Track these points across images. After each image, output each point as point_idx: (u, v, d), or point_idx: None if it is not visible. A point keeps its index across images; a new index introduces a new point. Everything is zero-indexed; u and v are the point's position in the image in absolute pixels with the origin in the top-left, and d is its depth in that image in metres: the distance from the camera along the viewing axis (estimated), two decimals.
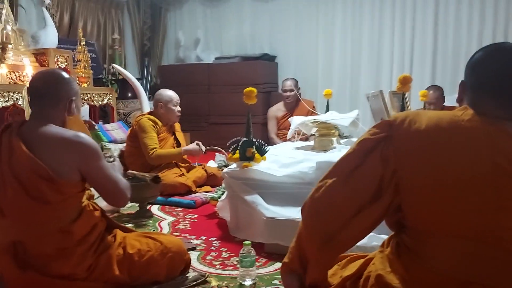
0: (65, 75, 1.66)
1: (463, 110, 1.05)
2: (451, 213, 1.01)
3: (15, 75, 3.63)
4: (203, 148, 3.38)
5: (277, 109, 4.67)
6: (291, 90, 4.46)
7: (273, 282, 1.74)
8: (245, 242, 1.74)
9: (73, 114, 1.62)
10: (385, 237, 1.26)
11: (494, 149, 0.98)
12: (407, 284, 1.08)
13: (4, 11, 3.69)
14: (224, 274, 1.83)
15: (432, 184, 1.01)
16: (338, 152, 2.49)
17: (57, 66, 3.97)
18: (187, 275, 1.76)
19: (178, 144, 3.48)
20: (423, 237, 1.06)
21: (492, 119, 1.01)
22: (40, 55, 4.02)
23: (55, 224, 1.53)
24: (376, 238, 1.76)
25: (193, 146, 3.37)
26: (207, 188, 3.32)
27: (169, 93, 3.43)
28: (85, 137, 1.56)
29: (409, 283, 1.07)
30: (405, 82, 2.24)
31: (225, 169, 2.42)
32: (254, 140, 2.39)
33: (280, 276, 1.76)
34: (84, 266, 1.55)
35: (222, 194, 2.71)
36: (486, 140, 0.99)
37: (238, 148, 2.37)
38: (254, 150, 2.36)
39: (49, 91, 1.60)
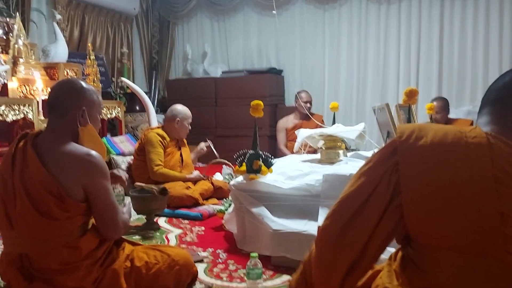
0: (79, 84, 1.64)
1: (472, 128, 1.06)
2: (453, 228, 1.01)
3: (26, 89, 3.70)
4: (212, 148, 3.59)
5: (287, 121, 4.73)
6: (311, 102, 4.66)
7: None
8: (252, 254, 1.74)
9: (84, 125, 1.60)
10: (393, 249, 1.25)
11: (496, 163, 0.99)
12: None
13: (16, 26, 3.78)
14: (231, 287, 1.83)
15: (433, 199, 1.01)
16: (344, 164, 2.49)
17: None
18: (194, 287, 1.76)
19: (182, 161, 3.52)
20: (427, 251, 1.06)
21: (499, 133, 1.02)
22: (50, 68, 4.10)
23: (61, 239, 1.52)
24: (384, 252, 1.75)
25: (195, 174, 3.45)
26: (214, 200, 3.33)
27: (187, 111, 3.51)
28: (97, 156, 1.54)
29: None
30: (411, 95, 2.25)
31: (232, 182, 2.43)
32: (260, 152, 2.40)
33: None
34: (90, 279, 1.54)
35: (229, 206, 2.71)
36: (489, 155, 0.99)
37: (245, 160, 2.38)
38: (260, 162, 2.37)
39: (58, 101, 1.59)
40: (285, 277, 1.92)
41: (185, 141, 3.60)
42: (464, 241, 1.01)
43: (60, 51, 4.40)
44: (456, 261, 1.02)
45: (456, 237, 1.01)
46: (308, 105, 4.55)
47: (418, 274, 1.07)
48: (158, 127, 3.50)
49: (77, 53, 5.15)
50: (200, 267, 2.01)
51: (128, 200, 1.88)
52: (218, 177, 3.88)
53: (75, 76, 4.17)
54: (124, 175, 1.85)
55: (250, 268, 1.72)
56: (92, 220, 1.62)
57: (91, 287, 1.54)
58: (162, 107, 6.19)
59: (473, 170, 0.99)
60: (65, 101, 1.59)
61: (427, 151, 1.03)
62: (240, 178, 2.42)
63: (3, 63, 3.51)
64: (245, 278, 1.80)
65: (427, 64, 5.23)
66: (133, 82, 5.53)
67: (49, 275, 1.51)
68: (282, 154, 4.21)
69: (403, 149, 1.06)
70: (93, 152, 1.55)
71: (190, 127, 3.50)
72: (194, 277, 1.78)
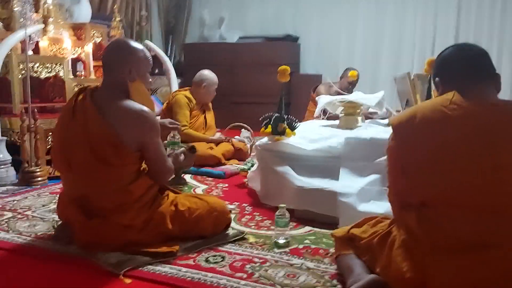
0: (127, 43, 1.81)
1: (450, 98, 1.28)
2: (456, 187, 1.22)
3: (55, 48, 3.84)
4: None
5: (330, 89, 4.37)
6: (356, 83, 4.30)
7: (305, 241, 1.94)
8: (280, 205, 1.93)
9: (132, 81, 1.75)
10: None
11: (478, 125, 1.21)
12: (427, 247, 1.26)
13: None
14: (259, 233, 2.04)
15: (431, 165, 1.26)
16: (363, 130, 2.65)
17: (93, 41, 4.16)
18: (228, 232, 1.97)
19: (206, 124, 3.71)
20: (439, 210, 1.26)
21: (469, 97, 1.26)
22: (77, 29, 4.22)
23: (116, 183, 1.73)
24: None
25: (218, 136, 3.68)
26: (235, 161, 3.52)
27: (214, 77, 3.65)
28: (150, 113, 1.74)
29: (428, 246, 1.26)
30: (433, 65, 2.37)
31: (258, 142, 2.61)
32: (285, 116, 2.56)
33: (310, 237, 1.97)
34: (141, 219, 1.76)
35: (252, 166, 2.90)
36: (471, 121, 1.22)
37: (271, 123, 2.55)
38: (285, 125, 2.53)
39: (109, 60, 1.78)
40: (308, 228, 2.12)
41: (210, 105, 3.76)
42: (468, 200, 1.21)
43: (83, 11, 4.51)
44: (465, 217, 1.21)
45: (460, 197, 1.21)
46: (352, 85, 4.28)
47: (432, 228, 1.26)
48: (185, 89, 3.66)
49: (98, 15, 5.23)
50: None
51: (182, 148, 2.12)
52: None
53: (100, 37, 4.29)
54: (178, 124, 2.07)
55: (278, 217, 1.91)
56: (143, 167, 1.82)
57: (141, 225, 1.75)
58: (177, 71, 6.29)
59: (459, 135, 1.22)
60: (114, 60, 1.76)
61: (417, 130, 1.28)
62: (265, 139, 2.59)
63: (33, 22, 3.63)
64: (273, 226, 2.00)
65: (443, 34, 5.30)
66: None
67: (106, 213, 1.72)
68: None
69: (399, 133, 1.34)
70: (146, 109, 1.72)
71: (215, 93, 3.66)
72: (229, 223, 1.99)
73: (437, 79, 1.41)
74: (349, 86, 4.24)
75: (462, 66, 1.34)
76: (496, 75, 1.33)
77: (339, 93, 4.07)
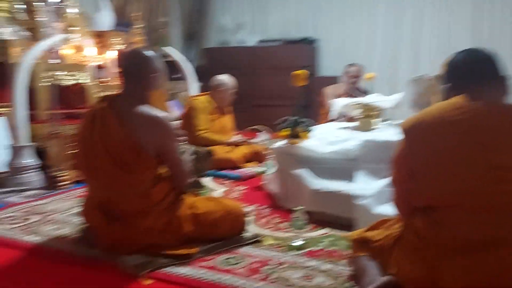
0: (147, 53, 1.88)
1: (457, 102, 1.30)
2: (461, 189, 1.24)
3: (79, 55, 3.95)
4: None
5: (337, 88, 4.25)
6: (359, 77, 4.12)
7: (321, 243, 1.96)
8: (297, 208, 1.96)
9: (154, 89, 1.85)
10: None
11: (483, 126, 1.24)
12: (435, 249, 1.29)
13: None
14: (276, 235, 2.06)
15: (440, 169, 1.27)
16: (380, 132, 2.65)
17: (116, 47, 4.26)
18: (245, 234, 2.01)
19: (224, 127, 3.76)
20: (446, 213, 1.28)
21: (473, 101, 1.28)
22: (99, 36, 4.33)
23: (136, 188, 1.79)
24: None
25: (237, 138, 3.71)
26: (254, 163, 3.56)
27: (231, 82, 3.70)
28: (168, 119, 1.81)
29: (437, 247, 1.29)
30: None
31: (275, 145, 2.64)
32: (301, 119, 2.59)
33: (327, 239, 1.99)
34: (160, 222, 1.81)
35: (269, 169, 2.94)
36: (476, 122, 1.25)
37: (288, 126, 2.58)
38: (301, 128, 2.56)
39: (134, 69, 1.84)
40: (324, 230, 2.14)
41: (228, 108, 3.82)
42: (472, 200, 1.23)
43: (106, 19, 4.62)
44: (471, 218, 1.23)
45: (465, 198, 1.23)
46: (353, 79, 4.08)
47: (441, 230, 1.28)
48: (204, 94, 3.73)
49: (120, 21, 5.34)
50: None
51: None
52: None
53: (123, 44, 4.39)
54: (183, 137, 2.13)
55: (295, 219, 1.94)
56: (161, 173, 1.87)
57: (161, 229, 1.81)
58: (199, 75, 6.38)
59: (464, 138, 1.24)
60: (140, 69, 1.83)
61: (425, 134, 1.31)
62: (282, 142, 2.62)
63: (57, 31, 3.76)
64: (290, 228, 2.03)
65: (460, 36, 5.26)
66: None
67: (127, 217, 1.78)
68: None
69: (408, 136, 1.36)
70: (164, 115, 1.79)
71: (233, 97, 3.71)
72: (245, 225, 2.03)
73: (445, 83, 1.42)
74: (352, 79, 4.05)
75: (468, 70, 1.36)
76: (502, 77, 1.34)
77: (346, 92, 4.01)
